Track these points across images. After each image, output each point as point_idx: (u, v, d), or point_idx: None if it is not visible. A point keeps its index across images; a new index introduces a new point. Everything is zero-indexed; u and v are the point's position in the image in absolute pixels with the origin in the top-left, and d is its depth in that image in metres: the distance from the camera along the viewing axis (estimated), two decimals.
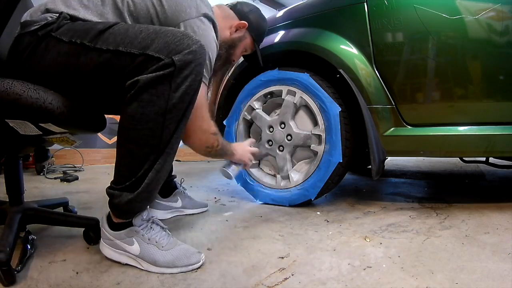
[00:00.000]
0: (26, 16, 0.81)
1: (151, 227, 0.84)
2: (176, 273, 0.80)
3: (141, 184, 0.77)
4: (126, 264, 0.84)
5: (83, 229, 1.00)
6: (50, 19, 0.79)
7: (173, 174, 1.41)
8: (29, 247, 0.88)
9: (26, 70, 0.79)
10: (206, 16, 0.94)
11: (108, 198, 0.81)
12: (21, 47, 0.78)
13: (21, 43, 0.78)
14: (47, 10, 0.82)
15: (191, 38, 0.74)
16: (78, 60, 0.76)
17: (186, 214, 1.37)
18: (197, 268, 0.82)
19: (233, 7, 1.21)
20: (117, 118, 0.82)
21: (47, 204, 1.13)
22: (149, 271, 0.81)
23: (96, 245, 0.97)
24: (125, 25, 0.78)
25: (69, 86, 0.80)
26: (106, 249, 0.85)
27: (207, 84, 0.99)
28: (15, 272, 0.76)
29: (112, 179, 0.81)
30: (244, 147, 1.33)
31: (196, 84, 0.76)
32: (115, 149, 0.80)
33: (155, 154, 0.76)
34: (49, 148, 1.03)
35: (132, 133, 0.74)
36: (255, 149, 1.38)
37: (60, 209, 1.26)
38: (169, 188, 1.36)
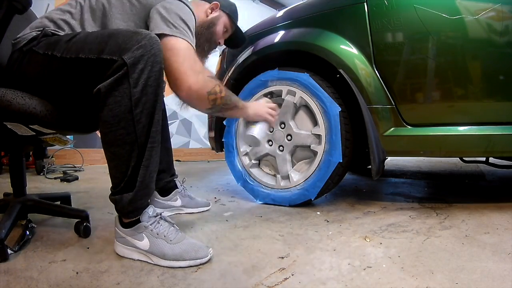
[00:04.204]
0: (18, 35, 0.92)
1: (159, 223, 0.89)
2: (185, 267, 0.83)
3: (136, 183, 0.82)
4: (127, 263, 0.85)
5: (80, 225, 1.06)
6: (35, 34, 0.89)
7: (175, 173, 1.43)
8: (27, 233, 0.99)
9: (16, 81, 0.89)
10: None
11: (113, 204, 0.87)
12: (11, 62, 0.90)
13: (11, 58, 0.90)
14: (35, 27, 0.92)
15: (140, 34, 0.78)
16: (51, 69, 0.85)
17: (186, 213, 1.38)
18: (205, 262, 0.85)
19: None
20: None
21: (48, 197, 1.23)
22: (158, 265, 0.84)
23: (96, 245, 0.98)
24: (85, 33, 0.86)
25: (49, 92, 0.89)
26: (118, 247, 0.90)
27: (192, 43, 0.96)
28: (13, 251, 0.88)
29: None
30: (258, 103, 1.25)
31: (155, 74, 0.79)
32: None
33: (137, 151, 0.80)
34: (47, 147, 1.12)
35: (110, 136, 0.79)
36: (272, 104, 1.29)
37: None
38: (168, 187, 1.37)
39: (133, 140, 0.79)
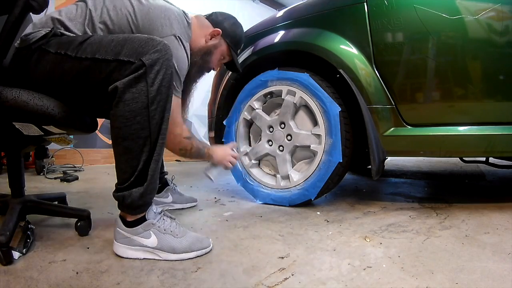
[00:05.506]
0: (26, 31, 0.92)
1: (163, 219, 0.92)
2: (193, 258, 0.88)
3: (147, 176, 0.85)
4: (127, 263, 0.85)
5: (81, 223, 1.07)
6: (44, 32, 0.89)
7: (165, 170, 1.50)
8: (29, 234, 0.98)
9: (25, 79, 0.89)
10: (176, 36, 1.04)
11: (117, 202, 0.88)
12: (18, 59, 0.90)
13: (19, 55, 0.90)
14: (42, 26, 0.93)
15: (155, 40, 0.84)
16: (63, 67, 0.86)
17: (176, 209, 1.44)
18: (209, 251, 0.92)
19: (208, 16, 1.29)
20: None
21: (45, 197, 1.22)
22: (167, 260, 0.87)
23: (96, 245, 0.98)
24: (100, 36, 0.90)
25: (60, 91, 0.89)
26: (121, 249, 0.89)
27: (180, 96, 1.10)
28: (22, 254, 0.88)
29: (115, 182, 0.87)
30: (224, 150, 1.39)
31: (168, 76, 0.85)
32: None
33: (149, 145, 0.83)
34: (48, 147, 1.13)
35: (125, 130, 0.81)
36: (236, 153, 1.43)
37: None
38: (160, 184, 1.39)
39: (147, 135, 0.82)
